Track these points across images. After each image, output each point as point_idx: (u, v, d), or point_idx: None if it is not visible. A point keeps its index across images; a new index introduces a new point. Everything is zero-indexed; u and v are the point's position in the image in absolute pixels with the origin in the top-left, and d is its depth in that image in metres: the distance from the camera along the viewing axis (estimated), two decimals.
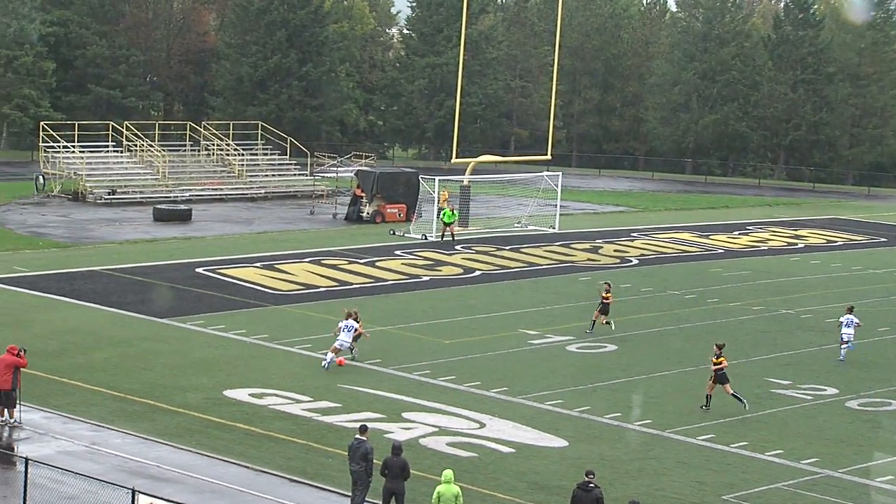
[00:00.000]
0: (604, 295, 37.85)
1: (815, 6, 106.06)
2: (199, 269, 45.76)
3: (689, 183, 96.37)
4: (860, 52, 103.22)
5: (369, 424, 23.75)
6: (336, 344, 32.21)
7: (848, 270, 52.35)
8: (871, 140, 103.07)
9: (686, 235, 59.83)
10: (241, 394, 29.53)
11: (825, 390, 32.16)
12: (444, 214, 54.68)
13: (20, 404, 26.54)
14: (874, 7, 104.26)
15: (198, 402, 28.77)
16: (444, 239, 54.13)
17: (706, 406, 29.86)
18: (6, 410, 26.35)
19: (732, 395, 29.78)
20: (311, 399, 29.22)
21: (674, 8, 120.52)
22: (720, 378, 29.91)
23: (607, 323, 37.81)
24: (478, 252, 52.30)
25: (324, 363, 32.04)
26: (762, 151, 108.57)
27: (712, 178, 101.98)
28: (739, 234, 62.21)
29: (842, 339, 35.68)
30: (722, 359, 29.94)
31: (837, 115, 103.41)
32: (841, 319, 36.24)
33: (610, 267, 50.23)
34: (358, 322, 32.63)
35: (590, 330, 37.59)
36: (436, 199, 57.65)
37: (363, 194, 61.86)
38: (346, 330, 32.26)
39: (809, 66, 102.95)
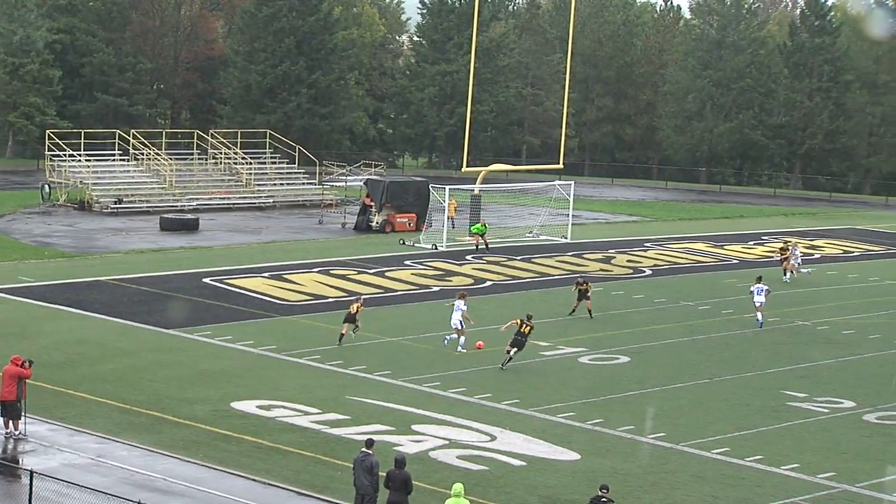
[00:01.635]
0: (581, 287, 41.55)
1: (832, 13, 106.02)
2: (207, 280, 45.82)
3: (703, 192, 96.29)
4: (877, 59, 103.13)
5: (378, 437, 23.79)
6: (452, 324, 35.81)
7: (864, 281, 52.23)
8: (888, 149, 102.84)
9: (700, 246, 59.77)
10: (249, 406, 29.55)
11: (842, 403, 32.08)
12: (474, 227, 55.51)
13: (25, 416, 26.58)
14: (892, 14, 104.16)
15: (205, 414, 28.79)
16: (479, 248, 54.90)
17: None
18: (11, 422, 26.38)
19: None
20: (320, 411, 29.21)
21: (688, 15, 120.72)
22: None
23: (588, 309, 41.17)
24: (489, 262, 52.28)
25: (444, 340, 36.13)
26: (778, 160, 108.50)
27: (727, 188, 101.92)
28: (755, 244, 62.12)
29: (755, 305, 41.05)
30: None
31: (855, 124, 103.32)
32: (752, 289, 41.69)
33: (622, 277, 50.19)
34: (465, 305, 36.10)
35: (571, 314, 41.27)
36: (445, 209, 57.65)
37: (372, 203, 61.87)
38: (456, 310, 35.85)
39: (826, 74, 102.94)
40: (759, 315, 41.14)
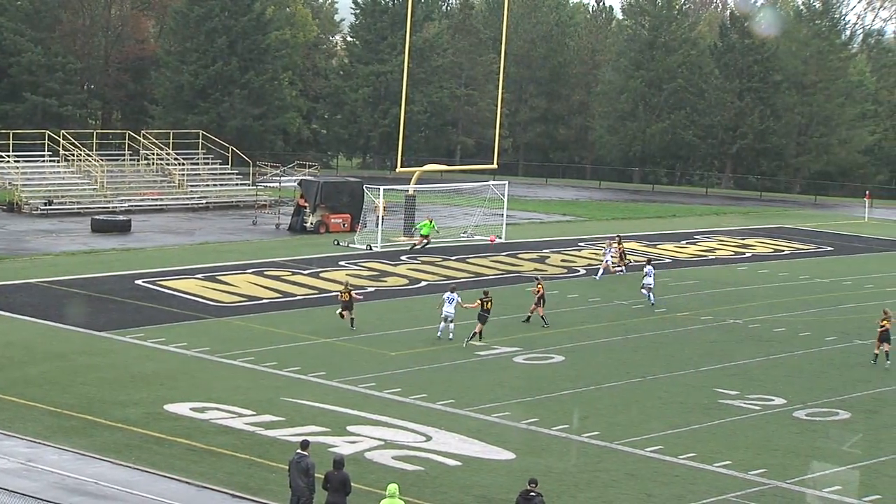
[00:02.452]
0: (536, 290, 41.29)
1: (761, 14, 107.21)
2: (139, 282, 45.42)
3: (636, 192, 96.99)
4: (806, 60, 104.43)
5: (314, 438, 23.66)
6: (444, 315, 37.71)
7: (795, 280, 52.87)
8: (817, 148, 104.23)
9: (633, 245, 60.16)
10: (182, 408, 29.32)
11: (773, 400, 32.44)
12: (422, 226, 55.88)
13: None
14: (818, 16, 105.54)
15: (137, 416, 28.53)
16: (414, 248, 55.31)
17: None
18: None
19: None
20: (254, 413, 29.06)
21: (620, 16, 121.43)
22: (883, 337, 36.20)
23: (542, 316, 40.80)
24: (423, 262, 52.30)
25: (439, 333, 37.77)
26: (709, 160, 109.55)
27: (659, 187, 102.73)
28: (687, 243, 62.70)
29: (644, 285, 44.14)
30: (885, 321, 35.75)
31: (784, 124, 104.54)
32: (645, 270, 44.87)
33: (558, 277, 50.41)
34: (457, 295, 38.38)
35: (525, 320, 40.90)
36: (379, 210, 57.62)
37: (307, 204, 61.70)
38: (448, 301, 37.62)
39: (756, 75, 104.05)
40: (651, 297, 44.36)
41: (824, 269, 56.62)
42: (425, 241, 55.66)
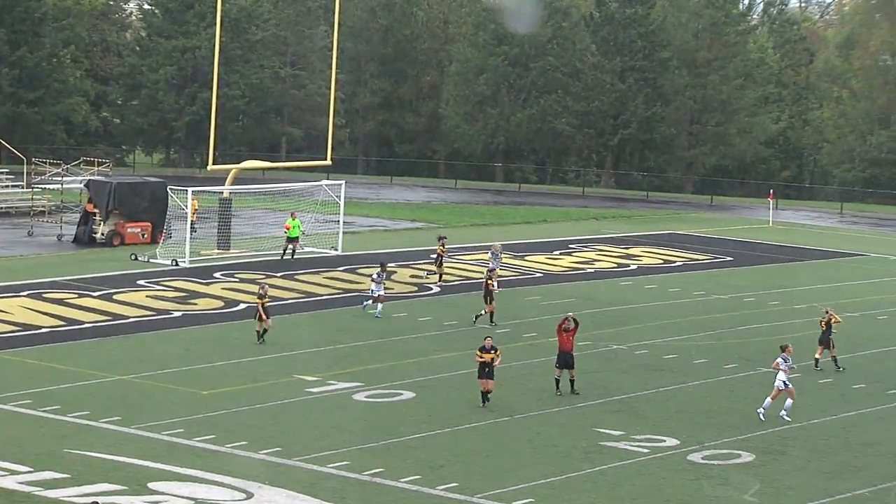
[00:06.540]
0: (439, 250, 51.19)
1: None
2: None
3: (499, 192, 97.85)
4: (698, 34, 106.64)
5: (106, 499, 23.33)
6: (372, 292, 46.29)
7: (689, 296, 53.86)
8: (713, 139, 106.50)
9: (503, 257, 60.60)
10: None
11: (664, 441, 32.95)
12: (292, 228, 56.69)
13: None
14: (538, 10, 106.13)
15: None
16: (284, 257, 56.65)
17: None
18: None
19: None
20: (32, 469, 28.56)
21: None
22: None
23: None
24: (242, 281, 51.99)
25: (363, 305, 46.85)
26: (586, 154, 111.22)
27: (527, 187, 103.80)
28: (561, 253, 63.43)
29: (372, 292, 46.39)
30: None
31: (674, 110, 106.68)
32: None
33: (406, 296, 50.56)
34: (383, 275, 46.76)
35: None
36: (188, 216, 57.17)
37: (96, 211, 60.91)
38: (378, 282, 46.19)
39: (640, 51, 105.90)
40: (369, 304, 46.83)
41: (722, 283, 57.80)
42: (293, 246, 56.76)
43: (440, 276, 53.73)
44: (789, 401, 34.83)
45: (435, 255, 54.33)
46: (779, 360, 35.23)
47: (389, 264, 56.74)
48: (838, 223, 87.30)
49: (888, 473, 31.08)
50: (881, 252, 70.32)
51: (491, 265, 50.06)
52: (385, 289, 47.13)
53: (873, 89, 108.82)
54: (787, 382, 34.74)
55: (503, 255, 54.46)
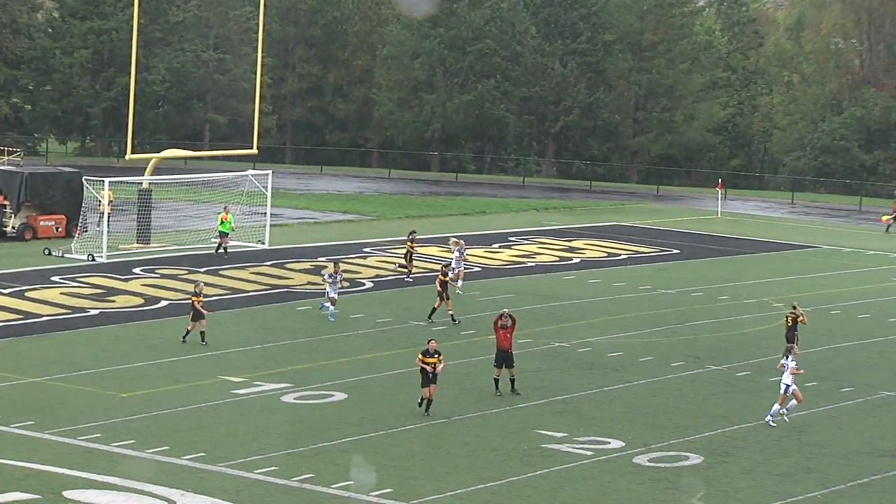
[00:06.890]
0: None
1: None
2: None
3: (435, 182, 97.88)
4: (642, 16, 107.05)
5: None
6: (328, 294, 45.67)
7: (634, 291, 54.08)
8: (658, 126, 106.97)
9: (433, 250, 60.67)
10: None
11: (608, 444, 33.07)
12: (222, 225, 56.65)
13: None
14: None
15: None
16: (219, 252, 56.46)
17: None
18: None
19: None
20: None
21: None
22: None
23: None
24: (163, 276, 51.77)
25: (321, 307, 46.19)
26: (527, 142, 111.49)
27: (465, 176, 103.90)
28: (500, 246, 63.54)
29: (327, 293, 45.82)
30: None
31: (617, 96, 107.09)
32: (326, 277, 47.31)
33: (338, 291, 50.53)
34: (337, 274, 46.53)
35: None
36: (105, 208, 56.86)
37: (7, 203, 60.50)
38: (333, 282, 45.63)
39: (582, 34, 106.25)
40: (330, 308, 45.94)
41: (669, 277, 58.09)
42: (225, 241, 56.65)
43: (409, 272, 53.65)
44: (793, 402, 35.04)
45: (405, 251, 54.43)
46: (783, 361, 35.45)
47: (319, 258, 56.80)
48: (789, 214, 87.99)
49: (841, 475, 31.34)
50: (833, 244, 70.88)
51: (453, 264, 50.79)
52: (339, 289, 46.50)
53: (824, 73, 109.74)
54: (791, 384, 34.89)
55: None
